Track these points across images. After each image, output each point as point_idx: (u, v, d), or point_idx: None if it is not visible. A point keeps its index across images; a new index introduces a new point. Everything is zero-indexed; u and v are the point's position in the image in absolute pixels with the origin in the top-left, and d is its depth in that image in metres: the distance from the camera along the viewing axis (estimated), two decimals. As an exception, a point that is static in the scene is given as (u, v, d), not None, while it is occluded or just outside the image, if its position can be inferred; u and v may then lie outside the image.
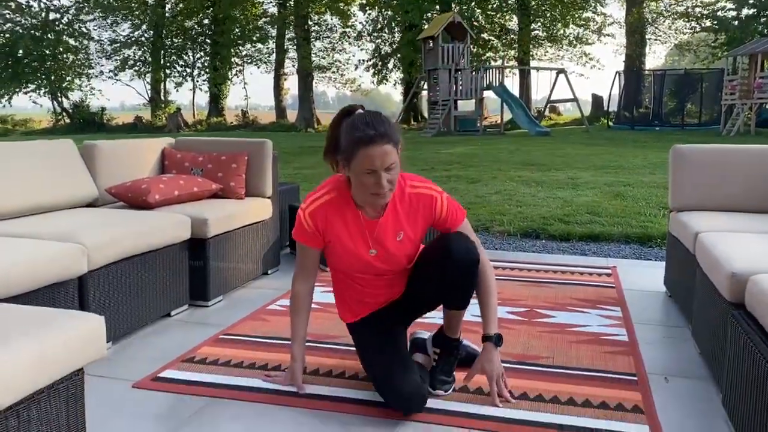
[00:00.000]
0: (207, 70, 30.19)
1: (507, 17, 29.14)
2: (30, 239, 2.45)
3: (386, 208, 2.12)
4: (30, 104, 28.97)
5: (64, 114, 27.62)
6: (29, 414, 1.39)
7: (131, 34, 30.23)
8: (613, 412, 2.06)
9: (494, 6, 28.49)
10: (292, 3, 28.42)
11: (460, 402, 2.14)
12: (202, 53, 30.82)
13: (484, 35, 28.60)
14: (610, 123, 22.83)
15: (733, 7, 25.08)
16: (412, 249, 2.19)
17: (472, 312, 2.67)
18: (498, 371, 2.15)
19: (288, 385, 2.26)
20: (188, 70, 30.87)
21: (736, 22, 24.87)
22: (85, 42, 29.97)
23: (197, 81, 31.00)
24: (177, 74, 30.91)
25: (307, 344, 2.64)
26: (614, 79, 22.53)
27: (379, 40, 30.60)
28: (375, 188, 1.98)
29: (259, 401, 2.15)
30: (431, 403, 2.13)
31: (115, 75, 30.22)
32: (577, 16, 28.16)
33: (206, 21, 30.01)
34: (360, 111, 2.05)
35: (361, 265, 2.18)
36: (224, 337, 2.76)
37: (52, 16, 28.80)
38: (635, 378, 2.33)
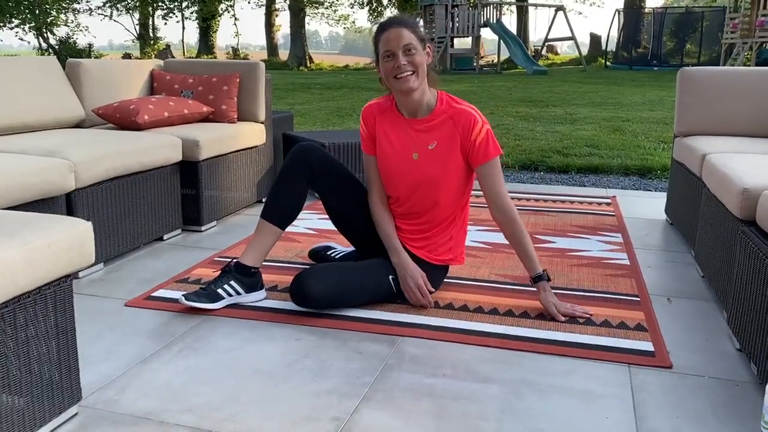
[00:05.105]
0: (196, 2, 29.27)
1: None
2: (13, 154, 2.35)
3: (431, 113, 2.15)
4: (17, 42, 28.11)
5: (50, 51, 26.85)
6: (15, 319, 1.33)
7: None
8: (616, 330, 2.03)
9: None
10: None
11: (460, 320, 2.10)
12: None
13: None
14: (608, 63, 22.45)
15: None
16: (445, 165, 2.16)
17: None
18: (553, 302, 2.14)
19: (418, 304, 2.19)
20: (176, 3, 29.96)
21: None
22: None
23: (185, 13, 30.12)
24: (164, 6, 30.00)
25: (307, 266, 2.60)
26: (613, 17, 22.04)
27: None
28: (395, 71, 2.04)
29: (255, 318, 2.11)
30: (431, 320, 2.09)
31: (104, 9, 29.29)
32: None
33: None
34: None
35: (404, 168, 2.19)
36: (219, 259, 2.70)
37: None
38: (637, 299, 2.30)
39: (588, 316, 2.13)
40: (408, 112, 2.18)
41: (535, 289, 2.21)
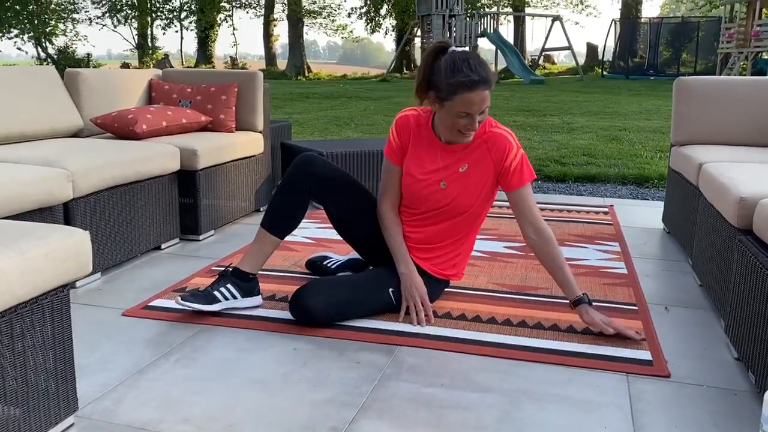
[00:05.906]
0: (194, 12, 29.39)
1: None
2: (11, 163, 2.35)
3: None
4: (15, 51, 28.16)
5: (48, 60, 26.91)
6: (12, 329, 1.33)
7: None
8: (614, 339, 2.03)
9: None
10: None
11: (458, 329, 2.10)
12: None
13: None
14: (605, 72, 22.56)
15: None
16: (473, 190, 2.15)
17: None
18: (600, 319, 2.04)
19: (416, 318, 2.13)
20: (175, 14, 30.06)
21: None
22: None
23: (184, 24, 30.23)
24: (164, 16, 30.11)
25: (305, 276, 2.59)
26: (610, 27, 22.19)
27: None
28: (465, 129, 2.01)
29: (253, 328, 2.10)
30: (429, 329, 2.09)
31: (103, 19, 29.38)
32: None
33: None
34: (454, 49, 2.00)
35: (430, 193, 2.17)
36: (217, 268, 2.70)
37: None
38: (635, 307, 2.30)
39: (641, 338, 2.01)
40: (446, 139, 2.15)
41: (535, 299, 2.20)
